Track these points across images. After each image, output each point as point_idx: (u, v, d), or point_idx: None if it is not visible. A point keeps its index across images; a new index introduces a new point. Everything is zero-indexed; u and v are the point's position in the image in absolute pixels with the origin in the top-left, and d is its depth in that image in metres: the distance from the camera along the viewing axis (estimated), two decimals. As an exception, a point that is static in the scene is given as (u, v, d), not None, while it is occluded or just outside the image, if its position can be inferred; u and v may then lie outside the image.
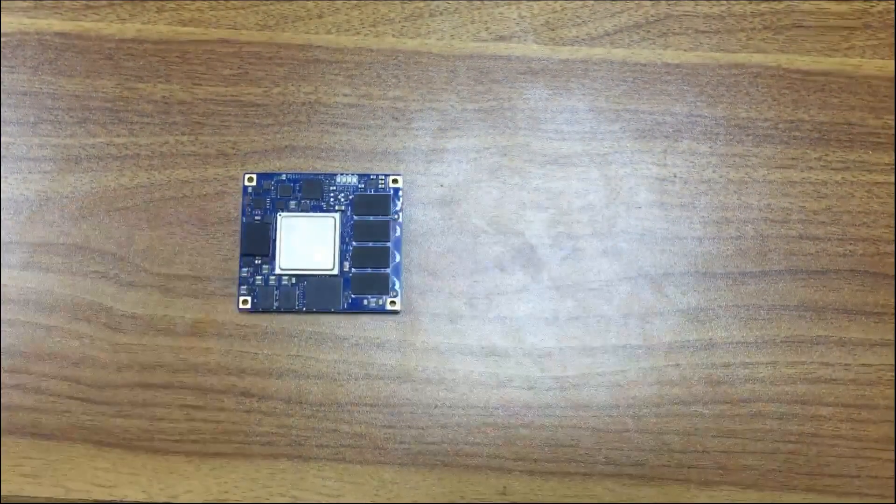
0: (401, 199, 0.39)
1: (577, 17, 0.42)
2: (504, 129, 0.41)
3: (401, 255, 0.39)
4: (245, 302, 0.38)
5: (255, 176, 0.39)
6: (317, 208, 0.39)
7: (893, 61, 0.41)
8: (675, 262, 0.40)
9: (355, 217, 0.39)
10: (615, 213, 0.40)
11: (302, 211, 0.39)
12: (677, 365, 0.39)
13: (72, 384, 0.38)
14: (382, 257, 0.39)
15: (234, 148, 0.40)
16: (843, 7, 0.42)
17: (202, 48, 0.41)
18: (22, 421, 0.38)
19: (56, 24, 0.41)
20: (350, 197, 0.39)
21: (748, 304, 0.39)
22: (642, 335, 0.39)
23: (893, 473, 0.38)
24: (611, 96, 0.41)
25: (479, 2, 0.42)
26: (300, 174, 0.39)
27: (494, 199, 0.40)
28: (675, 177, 0.40)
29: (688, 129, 0.41)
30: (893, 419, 0.38)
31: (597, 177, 0.40)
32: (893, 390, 0.39)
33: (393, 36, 0.41)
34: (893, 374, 0.39)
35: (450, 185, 0.40)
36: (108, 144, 0.40)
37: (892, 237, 0.40)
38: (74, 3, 0.41)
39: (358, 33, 0.41)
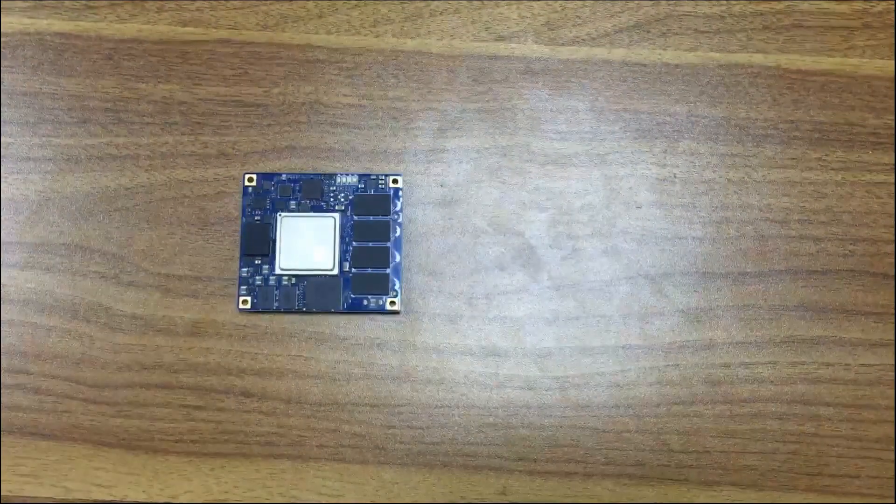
0: (401, 199, 0.39)
1: (577, 17, 0.42)
2: (504, 129, 0.41)
3: (401, 255, 0.39)
4: (245, 302, 0.38)
5: (255, 176, 0.39)
6: (317, 208, 0.39)
7: (893, 61, 0.41)
8: (675, 262, 0.40)
9: (355, 217, 0.39)
10: (615, 213, 0.40)
11: (302, 211, 0.39)
12: (677, 365, 0.39)
13: (72, 384, 0.38)
14: (382, 257, 0.39)
15: (234, 148, 0.40)
16: (843, 7, 0.42)
17: (202, 48, 0.41)
18: (22, 421, 0.38)
19: (56, 24, 0.41)
20: (350, 197, 0.39)
21: (748, 304, 0.39)
22: (642, 335, 0.39)
23: (893, 473, 0.38)
24: (611, 96, 0.41)
25: (479, 2, 0.42)
26: (300, 174, 0.39)
27: (494, 199, 0.40)
28: (675, 177, 0.40)
29: (688, 129, 0.41)
30: (893, 419, 0.38)
31: (597, 177, 0.40)
32: (893, 390, 0.39)
33: (393, 36, 0.41)
34: (893, 374, 0.39)
35: (450, 185, 0.40)
36: (108, 144, 0.40)
37: (892, 237, 0.40)
38: (74, 3, 0.41)
39: (358, 33, 0.41)
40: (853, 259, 0.40)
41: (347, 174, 0.40)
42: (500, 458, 0.38)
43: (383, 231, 0.39)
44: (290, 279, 0.38)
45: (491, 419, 0.38)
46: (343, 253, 0.39)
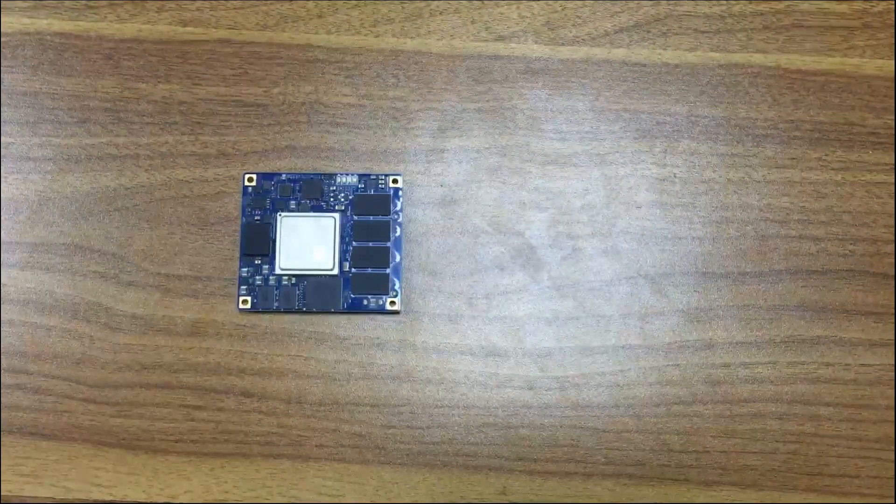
0: (401, 199, 0.39)
1: (577, 17, 0.42)
2: (504, 129, 0.41)
3: (401, 255, 0.39)
4: (245, 302, 0.38)
5: (255, 176, 0.39)
6: (317, 208, 0.39)
7: (893, 61, 0.41)
8: (675, 262, 0.40)
9: (355, 217, 0.39)
10: (615, 213, 0.40)
11: (302, 211, 0.39)
12: (677, 365, 0.39)
13: (72, 384, 0.38)
14: (382, 257, 0.39)
15: (234, 148, 0.40)
16: (843, 7, 0.42)
17: (202, 48, 0.41)
18: (22, 421, 0.38)
19: (56, 24, 0.41)
20: (350, 197, 0.39)
21: (748, 304, 0.39)
22: (642, 335, 0.39)
23: (893, 473, 0.38)
24: (611, 96, 0.41)
25: (479, 2, 0.42)
26: (300, 174, 0.39)
27: (494, 199, 0.40)
28: (675, 177, 0.40)
29: (688, 129, 0.41)
30: (893, 419, 0.38)
31: (597, 177, 0.40)
32: (893, 390, 0.39)
33: (393, 36, 0.41)
34: (893, 374, 0.39)
35: (450, 185, 0.40)
36: (108, 144, 0.40)
37: (892, 237, 0.40)
38: (74, 3, 0.41)
39: (358, 33, 0.41)
40: (853, 259, 0.40)
41: (347, 174, 0.40)
42: (500, 458, 0.38)
43: (383, 231, 0.39)
44: (290, 279, 0.38)
45: (491, 419, 0.38)
46: (343, 253, 0.39)
